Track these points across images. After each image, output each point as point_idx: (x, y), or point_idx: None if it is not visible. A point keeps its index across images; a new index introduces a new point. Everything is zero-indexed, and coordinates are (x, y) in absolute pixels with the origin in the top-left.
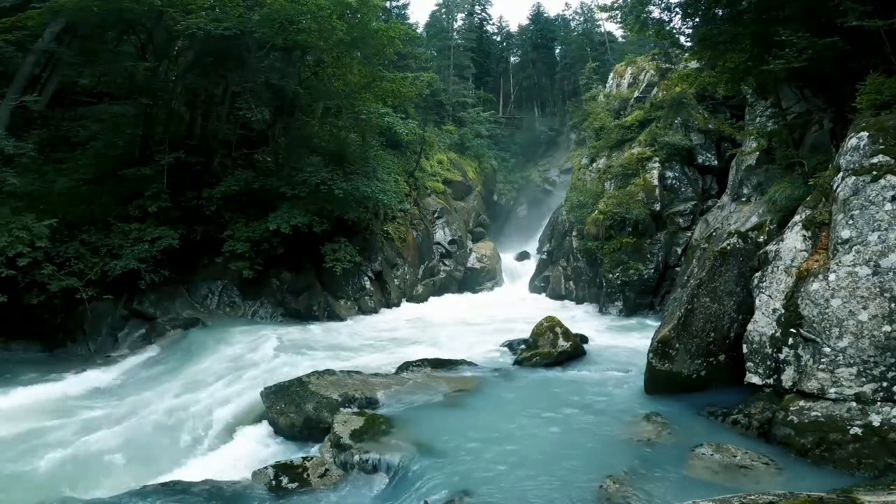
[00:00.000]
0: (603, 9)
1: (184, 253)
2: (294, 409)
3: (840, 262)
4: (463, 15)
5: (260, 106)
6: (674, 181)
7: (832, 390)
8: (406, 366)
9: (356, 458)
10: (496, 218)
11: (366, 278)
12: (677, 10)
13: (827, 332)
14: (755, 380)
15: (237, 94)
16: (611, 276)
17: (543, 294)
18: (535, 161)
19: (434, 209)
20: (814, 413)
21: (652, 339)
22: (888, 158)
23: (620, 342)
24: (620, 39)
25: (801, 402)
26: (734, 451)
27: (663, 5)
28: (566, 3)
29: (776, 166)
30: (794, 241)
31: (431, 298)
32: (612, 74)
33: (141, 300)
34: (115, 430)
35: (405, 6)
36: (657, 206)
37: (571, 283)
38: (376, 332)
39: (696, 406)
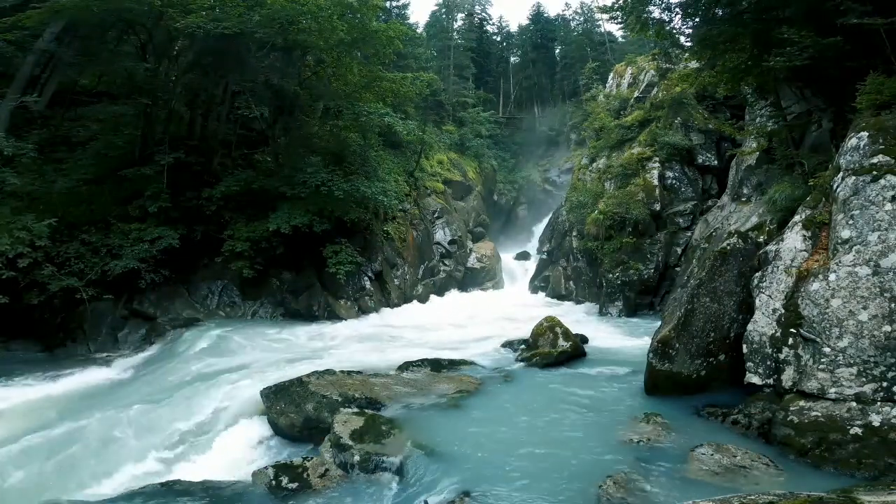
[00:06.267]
0: (603, 10)
1: (184, 253)
2: (294, 409)
3: (840, 262)
4: (463, 15)
5: (260, 106)
6: (674, 181)
7: (832, 390)
8: (406, 366)
9: (356, 458)
10: (496, 218)
11: (366, 278)
12: (677, 10)
13: (827, 332)
14: (755, 380)
15: (237, 94)
16: (611, 276)
17: (543, 294)
18: (535, 161)
19: (434, 209)
20: (814, 413)
21: (652, 339)
22: (888, 158)
23: (620, 342)
24: (620, 39)
25: (801, 402)
26: (734, 452)
27: (663, 5)
28: (566, 3)
29: (776, 166)
30: (794, 241)
31: (431, 298)
32: (612, 74)
33: (141, 300)
34: (115, 430)
35: (405, 6)
36: (657, 206)
37: (571, 283)
38: (376, 332)
39: (696, 406)
